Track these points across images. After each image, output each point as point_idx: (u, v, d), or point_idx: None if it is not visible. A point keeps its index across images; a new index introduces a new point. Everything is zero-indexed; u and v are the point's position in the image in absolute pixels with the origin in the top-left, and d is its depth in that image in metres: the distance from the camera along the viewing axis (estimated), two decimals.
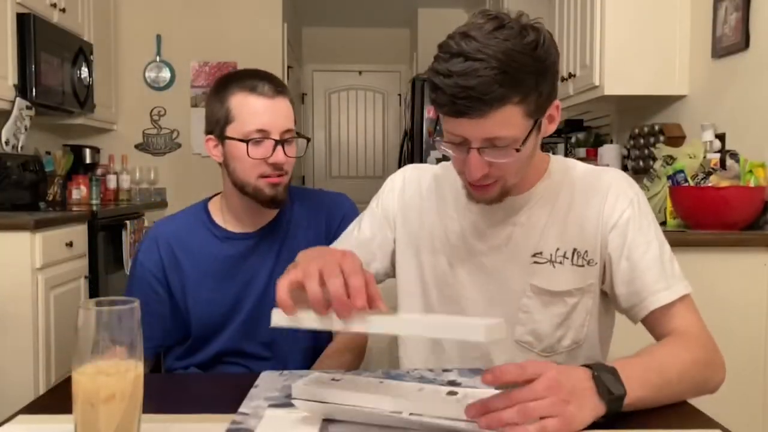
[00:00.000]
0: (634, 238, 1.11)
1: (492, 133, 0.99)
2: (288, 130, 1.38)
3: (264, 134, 1.35)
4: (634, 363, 0.94)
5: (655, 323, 1.09)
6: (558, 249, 1.13)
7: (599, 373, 0.87)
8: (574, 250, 1.13)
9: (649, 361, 0.96)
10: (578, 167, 1.20)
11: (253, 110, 1.35)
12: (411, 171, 1.30)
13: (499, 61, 0.94)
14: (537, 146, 1.09)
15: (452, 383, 1.01)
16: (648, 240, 1.11)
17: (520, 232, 1.15)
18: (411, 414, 0.87)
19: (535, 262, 1.14)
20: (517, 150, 1.01)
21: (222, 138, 1.39)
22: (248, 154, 1.35)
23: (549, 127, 1.08)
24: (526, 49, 0.96)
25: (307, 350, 1.47)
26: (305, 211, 1.50)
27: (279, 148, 1.36)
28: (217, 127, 1.39)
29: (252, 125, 1.35)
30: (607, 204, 1.13)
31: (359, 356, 1.48)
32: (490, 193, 1.08)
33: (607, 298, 1.17)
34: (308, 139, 1.46)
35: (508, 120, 0.98)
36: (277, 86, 1.38)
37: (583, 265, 1.13)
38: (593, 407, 0.85)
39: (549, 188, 1.16)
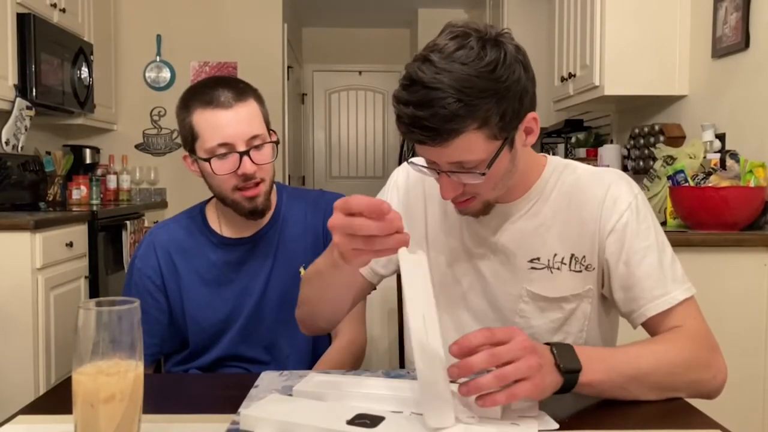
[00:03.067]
0: (632, 244, 1.09)
1: (455, 158, 0.99)
2: (254, 137, 1.34)
3: (229, 148, 1.32)
4: (599, 349, 0.98)
5: (653, 329, 1.08)
6: (556, 255, 1.11)
7: (556, 348, 0.90)
8: (572, 255, 1.11)
9: (618, 349, 1.00)
10: (577, 169, 1.16)
11: (213, 125, 1.32)
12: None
13: (455, 89, 0.92)
14: (516, 159, 1.05)
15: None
16: (647, 245, 1.09)
17: (516, 237, 1.13)
18: (412, 413, 0.87)
19: (533, 268, 1.12)
20: (483, 174, 1.00)
21: (194, 156, 1.37)
22: (214, 172, 1.33)
23: (528, 139, 1.05)
24: (483, 72, 0.94)
25: (307, 353, 1.46)
26: (302, 212, 1.49)
27: (245, 158, 1.32)
28: (187, 145, 1.38)
29: (214, 141, 1.32)
30: (604, 208, 1.10)
31: (359, 358, 1.47)
32: (472, 207, 1.08)
33: (608, 303, 1.16)
34: (276, 143, 1.41)
35: (469, 146, 0.97)
36: (237, 92, 1.34)
37: (580, 271, 1.11)
38: (553, 378, 0.88)
39: (545, 192, 1.14)
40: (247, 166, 1.32)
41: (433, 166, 1.03)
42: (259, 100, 1.39)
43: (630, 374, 0.94)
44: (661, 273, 1.08)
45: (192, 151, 1.37)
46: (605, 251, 1.10)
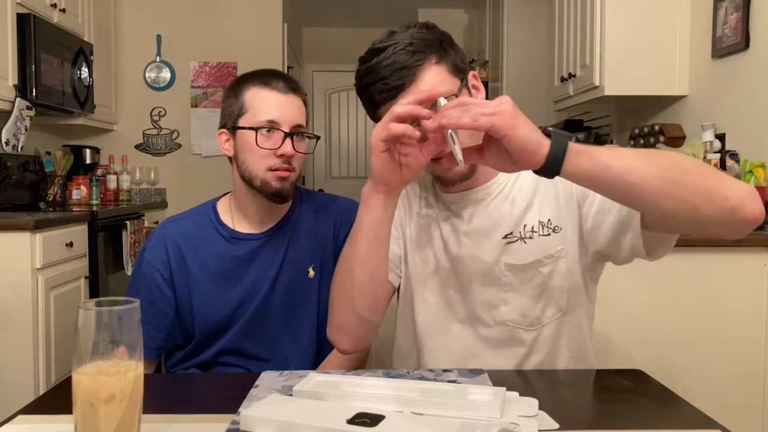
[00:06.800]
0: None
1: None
2: (298, 125, 1.40)
3: (274, 125, 1.37)
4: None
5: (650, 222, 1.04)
6: (525, 225, 1.19)
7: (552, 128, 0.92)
8: (539, 221, 1.19)
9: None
10: None
11: (266, 102, 1.38)
12: None
13: (406, 39, 1.11)
14: None
15: (452, 383, 1.01)
16: None
17: (491, 220, 1.21)
18: (413, 413, 0.87)
19: (508, 243, 1.20)
20: (456, 95, 1.09)
21: (234, 129, 1.41)
22: (257, 143, 1.37)
23: (479, 96, 1.19)
24: (421, 28, 1.14)
25: (309, 355, 1.46)
26: (313, 214, 1.50)
27: (288, 140, 1.37)
28: (230, 119, 1.41)
29: (263, 116, 1.37)
30: None
31: (362, 362, 1.47)
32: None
33: (585, 267, 1.20)
34: (317, 138, 1.50)
35: (436, 78, 1.10)
36: (291, 84, 1.42)
37: (548, 234, 1.18)
38: (539, 136, 0.89)
39: (512, 176, 1.22)
40: (288, 148, 1.38)
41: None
42: (306, 102, 1.46)
43: (634, 154, 0.92)
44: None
45: (233, 126, 1.41)
46: (582, 207, 1.15)
